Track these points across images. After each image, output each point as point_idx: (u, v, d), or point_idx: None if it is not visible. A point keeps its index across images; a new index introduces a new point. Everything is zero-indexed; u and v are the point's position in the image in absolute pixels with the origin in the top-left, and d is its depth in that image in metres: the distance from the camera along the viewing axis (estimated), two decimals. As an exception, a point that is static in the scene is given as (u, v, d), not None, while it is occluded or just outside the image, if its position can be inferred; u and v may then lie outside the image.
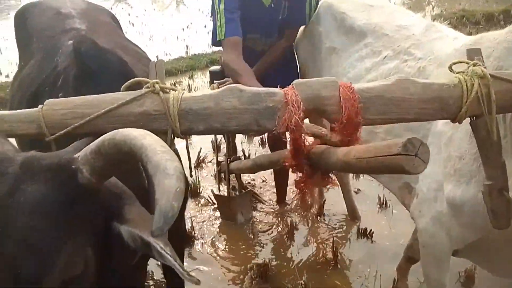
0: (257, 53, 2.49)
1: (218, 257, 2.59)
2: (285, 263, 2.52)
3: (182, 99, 1.20)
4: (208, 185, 3.38)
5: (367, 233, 2.66)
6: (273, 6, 2.33)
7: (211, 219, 2.98)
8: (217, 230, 2.87)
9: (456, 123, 1.21)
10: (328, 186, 1.42)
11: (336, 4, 2.29)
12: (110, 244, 1.05)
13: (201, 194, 3.27)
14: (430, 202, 1.62)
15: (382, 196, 2.94)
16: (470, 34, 1.57)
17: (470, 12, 7.68)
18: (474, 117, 1.21)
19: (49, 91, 1.47)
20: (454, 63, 1.26)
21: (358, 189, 3.13)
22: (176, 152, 1.51)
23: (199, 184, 3.30)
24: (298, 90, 1.20)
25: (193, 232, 2.78)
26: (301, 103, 1.17)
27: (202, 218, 2.99)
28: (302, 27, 2.51)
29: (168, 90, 1.22)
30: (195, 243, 2.72)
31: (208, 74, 2.58)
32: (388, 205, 2.92)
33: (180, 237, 1.85)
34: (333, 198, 3.01)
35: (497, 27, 3.76)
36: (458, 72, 1.23)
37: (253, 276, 2.37)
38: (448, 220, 1.51)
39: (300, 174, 1.32)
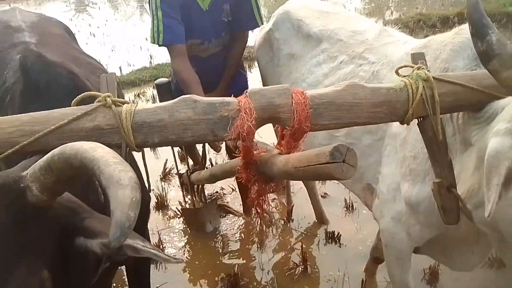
0: (202, 59, 2.42)
1: (187, 270, 2.55)
2: (255, 271, 2.51)
3: (135, 112, 1.18)
4: (177, 196, 3.34)
5: (335, 236, 2.70)
6: (210, 9, 2.27)
7: (179, 231, 2.93)
8: (186, 242, 2.83)
9: (408, 124, 1.25)
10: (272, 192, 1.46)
11: (292, 11, 2.32)
12: (69, 262, 1.02)
13: (169, 206, 3.23)
14: (390, 202, 1.66)
15: (349, 199, 2.99)
16: (426, 37, 1.64)
17: (427, 15, 7.98)
18: (421, 119, 1.26)
19: (-2, 109, 1.42)
20: (400, 67, 1.31)
21: (325, 193, 3.17)
22: (134, 163, 1.49)
23: (166, 196, 3.25)
24: (252, 99, 1.21)
25: (161, 245, 2.73)
26: (254, 111, 1.18)
27: (170, 231, 2.95)
28: (261, 34, 2.53)
29: (120, 104, 1.20)
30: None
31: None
32: (354, 208, 2.97)
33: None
34: (301, 203, 3.04)
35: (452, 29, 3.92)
36: (404, 76, 1.27)
37: (223, 287, 2.35)
38: (407, 219, 1.55)
39: (254, 188, 1.33)
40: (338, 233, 2.71)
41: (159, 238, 2.76)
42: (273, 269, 2.53)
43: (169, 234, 2.90)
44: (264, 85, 2.75)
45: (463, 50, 1.40)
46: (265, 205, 1.40)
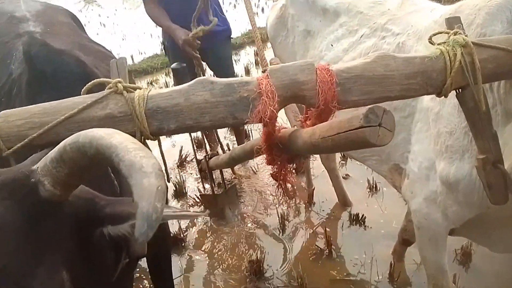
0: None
1: (208, 259, 2.50)
2: (278, 257, 2.45)
3: (148, 97, 1.10)
4: (196, 184, 3.29)
5: (359, 218, 2.61)
6: None
7: (199, 219, 2.88)
8: (206, 230, 2.78)
9: (442, 97, 1.15)
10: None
11: (306, -15, 2.19)
12: (88, 259, 0.96)
13: (187, 194, 3.18)
14: (422, 182, 1.56)
15: (372, 180, 2.89)
16: (454, 3, 1.51)
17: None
18: (460, 90, 1.15)
19: (6, 101, 1.36)
20: (434, 35, 1.19)
21: (347, 175, 3.07)
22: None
23: (184, 184, 3.20)
24: (274, 78, 1.11)
25: (181, 234, 2.68)
26: (276, 94, 1.09)
27: (190, 220, 2.90)
28: (274, 11, 2.41)
29: (132, 89, 1.12)
30: (184, 246, 2.63)
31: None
32: (378, 188, 2.87)
33: (165, 242, 1.76)
34: (323, 185, 2.95)
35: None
36: (439, 44, 1.15)
37: (247, 275, 2.30)
38: (443, 199, 1.45)
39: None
40: (363, 215, 2.62)
41: (179, 226, 2.70)
42: (297, 254, 2.46)
43: (189, 222, 2.85)
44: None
45: (501, 13, 1.28)
46: (289, 178, 1.31)
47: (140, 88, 1.14)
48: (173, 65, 2.45)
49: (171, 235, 2.62)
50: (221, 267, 2.43)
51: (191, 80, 1.17)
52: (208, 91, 1.10)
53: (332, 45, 1.99)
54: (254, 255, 2.39)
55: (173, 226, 2.73)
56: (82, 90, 1.15)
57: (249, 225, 2.76)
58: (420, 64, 1.11)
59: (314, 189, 2.91)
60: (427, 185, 1.53)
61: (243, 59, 7.27)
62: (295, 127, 1.29)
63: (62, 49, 1.35)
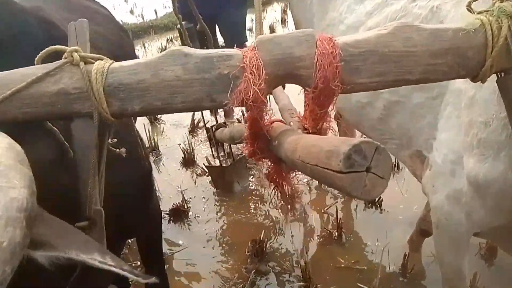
0: None
1: (210, 235, 2.38)
2: (283, 238, 2.29)
3: (109, 71, 0.90)
4: (207, 151, 3.13)
5: (376, 200, 2.40)
6: None
7: (205, 190, 2.75)
8: (211, 203, 2.64)
9: (483, 82, 0.90)
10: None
11: None
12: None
13: (196, 162, 3.03)
14: (446, 177, 1.32)
15: (394, 157, 2.64)
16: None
17: None
18: (503, 73, 0.89)
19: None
20: (474, 0, 0.92)
21: (367, 151, 2.83)
22: (131, 128, 1.24)
23: (193, 151, 3.05)
24: (262, 51, 0.89)
25: (185, 205, 2.56)
26: (263, 70, 0.87)
27: (196, 190, 2.77)
28: None
29: (91, 60, 0.93)
30: (186, 218, 2.51)
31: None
32: (400, 168, 2.63)
33: (155, 223, 1.62)
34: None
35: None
36: (480, 12, 0.89)
37: (248, 255, 2.17)
38: (469, 200, 1.22)
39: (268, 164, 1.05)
40: (380, 197, 2.40)
41: (183, 198, 2.58)
42: (303, 238, 2.29)
43: (194, 194, 2.72)
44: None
45: None
46: (286, 186, 1.12)
47: (101, 59, 0.94)
48: (179, 25, 2.23)
49: (174, 206, 2.52)
50: (223, 244, 2.31)
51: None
52: (181, 66, 0.89)
53: (354, 7, 1.71)
54: (258, 235, 2.25)
55: (177, 197, 2.61)
56: (36, 59, 0.97)
57: (257, 201, 2.60)
58: (452, 38, 0.86)
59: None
60: (451, 182, 1.29)
61: (269, 16, 6.89)
62: (291, 123, 1.08)
63: (27, 7, 1.16)
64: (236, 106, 0.89)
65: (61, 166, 1.01)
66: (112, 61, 0.94)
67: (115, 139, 1.06)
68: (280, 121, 1.10)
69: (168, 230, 2.42)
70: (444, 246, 1.44)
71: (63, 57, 0.94)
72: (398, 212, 2.34)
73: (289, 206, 1.22)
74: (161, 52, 0.94)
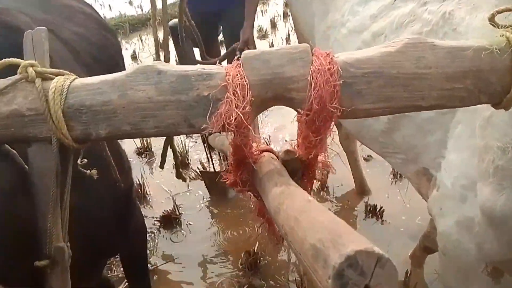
0: None
1: (202, 244, 2.26)
2: (278, 250, 2.18)
3: (70, 90, 0.78)
4: (201, 155, 3.00)
5: (377, 210, 2.28)
6: None
7: (198, 196, 2.63)
8: (204, 210, 2.52)
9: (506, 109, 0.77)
10: None
11: None
12: None
13: (189, 166, 2.91)
14: (455, 202, 1.20)
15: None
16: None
17: None
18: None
19: None
20: (500, 12, 0.79)
21: (369, 156, 2.71)
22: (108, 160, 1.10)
23: (187, 154, 2.93)
24: (248, 69, 0.76)
25: (176, 211, 2.44)
26: (249, 91, 0.74)
27: (188, 196, 2.65)
28: None
29: (50, 76, 0.80)
30: (178, 226, 2.40)
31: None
32: (403, 176, 2.50)
33: (138, 238, 1.50)
34: (339, 167, 2.60)
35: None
36: (506, 27, 0.76)
37: (241, 267, 2.05)
38: (481, 230, 1.10)
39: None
40: (381, 207, 2.28)
41: (174, 204, 2.46)
42: (300, 248, 2.18)
43: (186, 199, 2.60)
44: (296, 31, 2.23)
45: None
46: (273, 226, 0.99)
47: (62, 74, 0.81)
48: (171, 22, 2.09)
49: (165, 213, 2.40)
50: (215, 254, 2.19)
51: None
52: (153, 86, 0.77)
53: (357, 9, 1.57)
54: (252, 246, 2.13)
55: (169, 202, 2.49)
56: (-12, 72, 0.84)
57: (252, 208, 2.48)
58: (472, 59, 0.73)
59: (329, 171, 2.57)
60: (461, 208, 1.17)
61: (270, 10, 6.72)
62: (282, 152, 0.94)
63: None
64: (216, 132, 0.76)
65: (20, 194, 0.89)
66: (74, 77, 0.81)
67: (85, 160, 0.94)
68: (270, 150, 0.97)
69: (158, 238, 2.31)
70: (451, 275, 1.32)
71: (18, 72, 0.81)
72: (400, 224, 2.22)
73: (272, 238, 1.10)
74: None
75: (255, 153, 0.93)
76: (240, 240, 2.26)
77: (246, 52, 0.78)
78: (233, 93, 0.74)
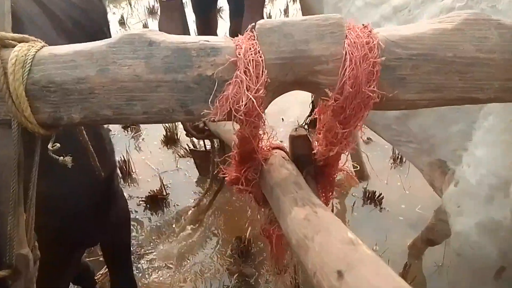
0: None
1: (190, 228, 2.12)
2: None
3: (34, 62, 0.61)
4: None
5: (376, 197, 2.17)
6: None
7: (187, 175, 2.48)
8: (193, 190, 2.38)
9: None
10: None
11: None
12: None
13: (179, 142, 2.75)
14: (479, 201, 1.07)
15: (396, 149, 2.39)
16: None
17: None
18: None
19: None
20: None
21: (369, 138, 2.57)
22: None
23: (176, 129, 2.76)
24: (265, 43, 0.60)
25: (163, 191, 2.30)
26: (264, 70, 0.58)
27: (177, 174, 2.50)
28: None
29: (12, 42, 0.63)
30: (164, 205, 2.26)
31: None
32: (404, 160, 2.39)
33: (121, 227, 1.36)
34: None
35: None
36: None
37: (231, 253, 1.94)
38: (508, 236, 0.98)
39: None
40: (380, 194, 2.17)
41: (161, 183, 2.31)
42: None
43: (174, 177, 2.45)
44: (301, 2, 2.02)
45: None
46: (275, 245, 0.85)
47: (26, 41, 0.64)
48: None
49: (151, 193, 2.25)
50: (204, 239, 2.07)
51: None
52: (143, 61, 0.60)
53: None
54: (244, 231, 2.01)
55: (155, 183, 2.34)
56: None
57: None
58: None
59: (326, 153, 2.44)
60: (487, 209, 1.05)
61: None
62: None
63: None
64: (220, 120, 0.61)
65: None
66: (41, 44, 0.63)
67: (57, 144, 0.78)
68: (281, 148, 0.82)
69: (144, 220, 2.16)
70: (466, 277, 1.22)
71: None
72: (399, 212, 2.12)
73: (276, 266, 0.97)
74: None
75: (265, 148, 0.77)
76: (231, 224, 2.14)
77: (262, 22, 0.61)
78: (244, 72, 0.58)
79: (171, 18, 1.67)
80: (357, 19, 1.41)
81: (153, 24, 4.32)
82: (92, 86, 0.60)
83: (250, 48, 0.59)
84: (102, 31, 1.48)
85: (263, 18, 1.82)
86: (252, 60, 0.58)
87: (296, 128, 0.80)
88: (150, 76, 0.60)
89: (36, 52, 0.61)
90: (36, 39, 0.65)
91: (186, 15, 2.27)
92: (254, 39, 0.61)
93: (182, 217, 2.17)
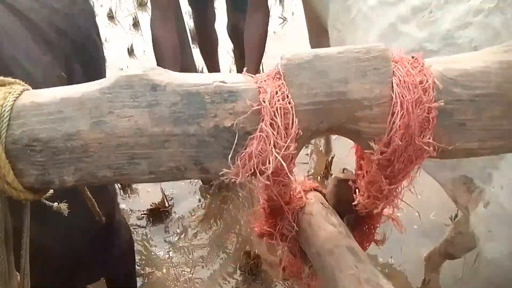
0: None
1: (196, 242, 2.02)
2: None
3: (13, 115, 0.50)
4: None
5: (387, 205, 2.07)
6: None
7: (191, 183, 2.37)
8: (198, 200, 2.27)
9: None
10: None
11: None
12: None
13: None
14: (514, 228, 0.98)
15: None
16: None
17: None
18: None
19: None
20: None
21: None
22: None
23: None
24: (293, 85, 0.49)
25: (165, 204, 2.19)
26: (294, 119, 0.48)
27: (180, 185, 2.39)
28: None
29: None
30: (168, 219, 2.15)
31: None
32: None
33: (125, 260, 1.26)
34: (344, 152, 2.36)
35: None
36: None
37: (240, 271, 1.84)
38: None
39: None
40: (392, 201, 2.08)
41: (163, 195, 2.20)
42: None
43: (178, 188, 2.34)
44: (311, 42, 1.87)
45: None
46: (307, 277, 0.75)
47: (3, 85, 0.53)
48: None
49: (153, 206, 2.15)
50: (210, 255, 1.97)
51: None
52: (146, 110, 0.49)
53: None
54: (248, 242, 1.91)
55: (157, 195, 2.23)
56: None
57: (248, 198, 2.24)
58: None
59: (333, 157, 2.34)
60: (527, 238, 0.95)
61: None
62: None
63: None
64: (241, 180, 0.50)
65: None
66: (20, 88, 0.52)
67: (51, 190, 0.67)
68: (316, 188, 0.72)
69: (146, 236, 2.06)
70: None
71: None
72: (412, 220, 2.02)
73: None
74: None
75: (297, 196, 0.67)
76: (238, 237, 2.04)
77: (289, 56, 0.50)
78: (271, 124, 0.48)
79: (165, 18, 1.53)
80: (370, 19, 1.29)
81: (143, 16, 4.10)
82: (86, 143, 0.50)
83: (276, 92, 0.48)
84: (91, 39, 1.35)
85: (268, 10, 1.66)
86: (280, 108, 0.48)
87: (344, 169, 0.69)
88: (156, 129, 0.49)
89: (14, 100, 0.50)
90: (13, 80, 0.54)
91: (182, 12, 2.15)
92: (280, 78, 0.50)
93: (187, 231, 2.08)
